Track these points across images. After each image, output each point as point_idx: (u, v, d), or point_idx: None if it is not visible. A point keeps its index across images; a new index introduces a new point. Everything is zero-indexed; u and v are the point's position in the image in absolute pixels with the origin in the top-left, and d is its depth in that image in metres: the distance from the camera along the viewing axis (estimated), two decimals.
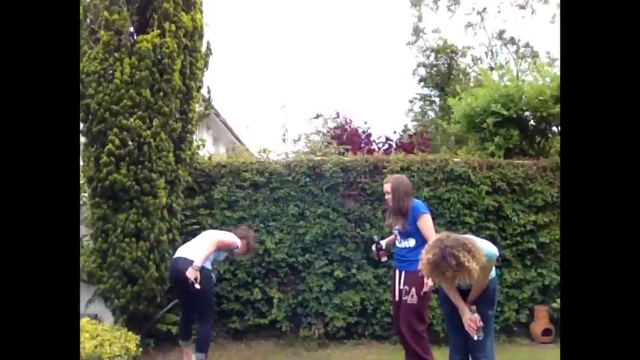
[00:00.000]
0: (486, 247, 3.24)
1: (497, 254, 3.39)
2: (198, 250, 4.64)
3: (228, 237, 4.88)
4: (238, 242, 4.90)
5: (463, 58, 18.10)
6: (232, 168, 6.14)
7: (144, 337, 5.19)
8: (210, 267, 4.81)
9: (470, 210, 5.95)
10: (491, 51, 19.02)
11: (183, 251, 4.79)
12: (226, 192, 6.03)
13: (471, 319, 3.35)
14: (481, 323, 3.31)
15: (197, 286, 4.51)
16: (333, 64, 34.18)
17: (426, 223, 4.16)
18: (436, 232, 4.06)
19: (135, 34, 5.41)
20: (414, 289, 4.12)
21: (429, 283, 4.05)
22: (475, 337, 3.34)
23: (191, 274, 4.52)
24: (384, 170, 5.99)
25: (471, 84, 14.65)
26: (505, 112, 6.70)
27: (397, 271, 4.30)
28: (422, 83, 17.74)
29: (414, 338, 4.17)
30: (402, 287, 4.20)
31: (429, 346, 4.22)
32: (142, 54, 5.11)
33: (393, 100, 33.62)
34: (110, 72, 5.14)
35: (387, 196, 4.37)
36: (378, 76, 31.85)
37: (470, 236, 3.27)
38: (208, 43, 6.06)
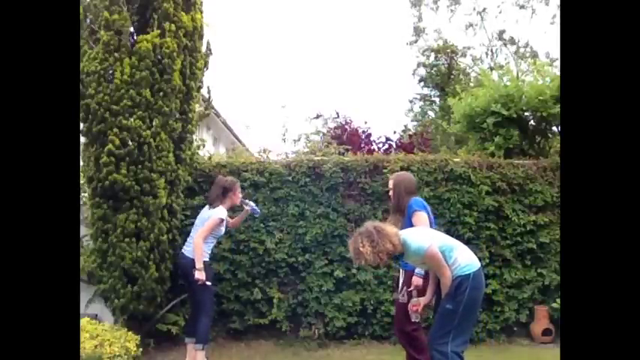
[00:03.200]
0: (415, 241, 3.45)
1: (427, 249, 3.38)
2: (195, 250, 4.74)
3: (211, 222, 4.80)
4: (222, 214, 4.83)
5: (463, 58, 18.08)
6: (232, 168, 6.14)
7: (144, 337, 5.19)
8: (208, 258, 4.89)
9: (470, 210, 5.95)
10: (492, 51, 19.00)
11: (185, 245, 5.00)
12: None
13: (412, 302, 3.80)
14: (415, 308, 3.73)
15: (207, 282, 4.77)
16: (333, 64, 34.19)
17: (418, 220, 4.03)
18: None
19: (135, 34, 5.41)
20: (405, 288, 4.10)
21: (415, 282, 4.01)
22: (412, 318, 3.87)
23: (199, 275, 4.68)
24: (384, 170, 5.99)
25: (471, 84, 14.63)
26: (505, 112, 6.70)
27: (400, 270, 4.29)
28: (422, 83, 17.71)
29: (406, 339, 4.17)
30: (401, 286, 4.20)
31: (423, 345, 4.16)
32: (142, 54, 5.11)
33: (393, 100, 33.62)
34: (110, 72, 5.14)
35: (390, 192, 4.36)
36: (378, 76, 31.85)
37: (389, 228, 3.44)
38: (208, 43, 6.06)
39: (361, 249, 3.33)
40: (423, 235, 3.58)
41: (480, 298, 3.52)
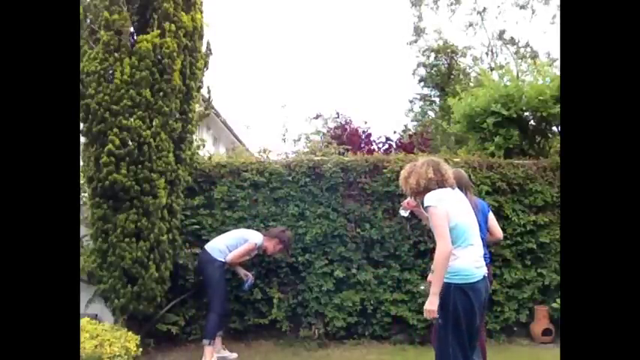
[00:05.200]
0: (429, 195, 3.22)
1: (431, 205, 3.13)
2: (231, 258, 5.33)
3: (247, 246, 5.36)
4: (257, 240, 5.40)
5: (463, 58, 18.07)
6: (232, 168, 6.14)
7: (144, 337, 5.19)
8: (223, 259, 5.29)
9: None
10: (492, 51, 18.99)
11: (210, 242, 5.45)
12: (226, 192, 6.03)
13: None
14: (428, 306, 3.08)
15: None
16: (333, 64, 34.19)
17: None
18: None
19: (135, 34, 5.41)
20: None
21: (430, 279, 3.96)
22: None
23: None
24: (384, 170, 5.99)
25: (471, 84, 14.62)
26: (505, 112, 6.70)
27: None
28: (422, 83, 17.72)
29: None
30: None
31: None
32: (142, 54, 5.11)
33: (393, 100, 33.61)
34: (110, 72, 5.13)
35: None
36: (378, 76, 31.85)
37: (427, 170, 3.29)
38: (208, 43, 6.06)
39: (402, 171, 3.48)
40: (442, 198, 3.20)
41: (471, 310, 3.10)
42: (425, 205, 3.21)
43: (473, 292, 3.11)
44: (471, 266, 3.14)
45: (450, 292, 3.05)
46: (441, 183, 3.27)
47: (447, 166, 3.41)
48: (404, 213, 3.62)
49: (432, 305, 3.03)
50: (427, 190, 3.26)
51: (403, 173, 3.45)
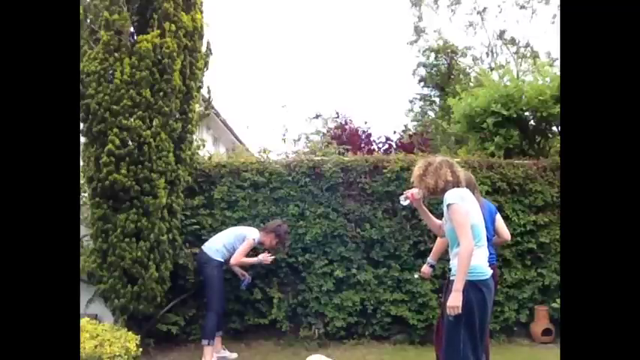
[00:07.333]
0: (450, 193, 3.24)
1: (454, 202, 3.16)
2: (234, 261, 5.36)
3: (246, 244, 5.36)
4: (255, 235, 5.41)
5: (463, 58, 18.06)
6: (232, 168, 6.14)
7: (144, 337, 5.19)
8: (221, 258, 5.30)
9: None
10: (492, 51, 18.98)
11: (208, 242, 5.46)
12: (226, 192, 6.03)
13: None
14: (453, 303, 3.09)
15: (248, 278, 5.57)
16: (333, 64, 34.19)
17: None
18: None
19: (135, 34, 5.41)
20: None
21: (423, 270, 4.17)
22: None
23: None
24: (384, 170, 5.99)
25: (471, 84, 14.61)
26: (505, 112, 6.71)
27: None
28: (422, 83, 17.71)
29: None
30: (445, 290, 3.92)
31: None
32: (142, 54, 5.11)
33: (393, 100, 33.62)
34: (110, 72, 5.13)
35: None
36: (378, 76, 31.86)
37: (447, 172, 3.29)
38: (208, 43, 6.06)
39: (415, 169, 3.41)
40: (464, 197, 3.26)
41: (484, 306, 3.17)
42: (447, 202, 3.21)
43: (486, 288, 3.17)
44: (484, 264, 3.22)
45: (465, 289, 3.07)
46: (455, 184, 3.31)
47: (459, 167, 3.42)
48: (404, 202, 3.54)
49: (457, 302, 3.03)
50: (443, 191, 3.28)
51: (417, 171, 3.38)
